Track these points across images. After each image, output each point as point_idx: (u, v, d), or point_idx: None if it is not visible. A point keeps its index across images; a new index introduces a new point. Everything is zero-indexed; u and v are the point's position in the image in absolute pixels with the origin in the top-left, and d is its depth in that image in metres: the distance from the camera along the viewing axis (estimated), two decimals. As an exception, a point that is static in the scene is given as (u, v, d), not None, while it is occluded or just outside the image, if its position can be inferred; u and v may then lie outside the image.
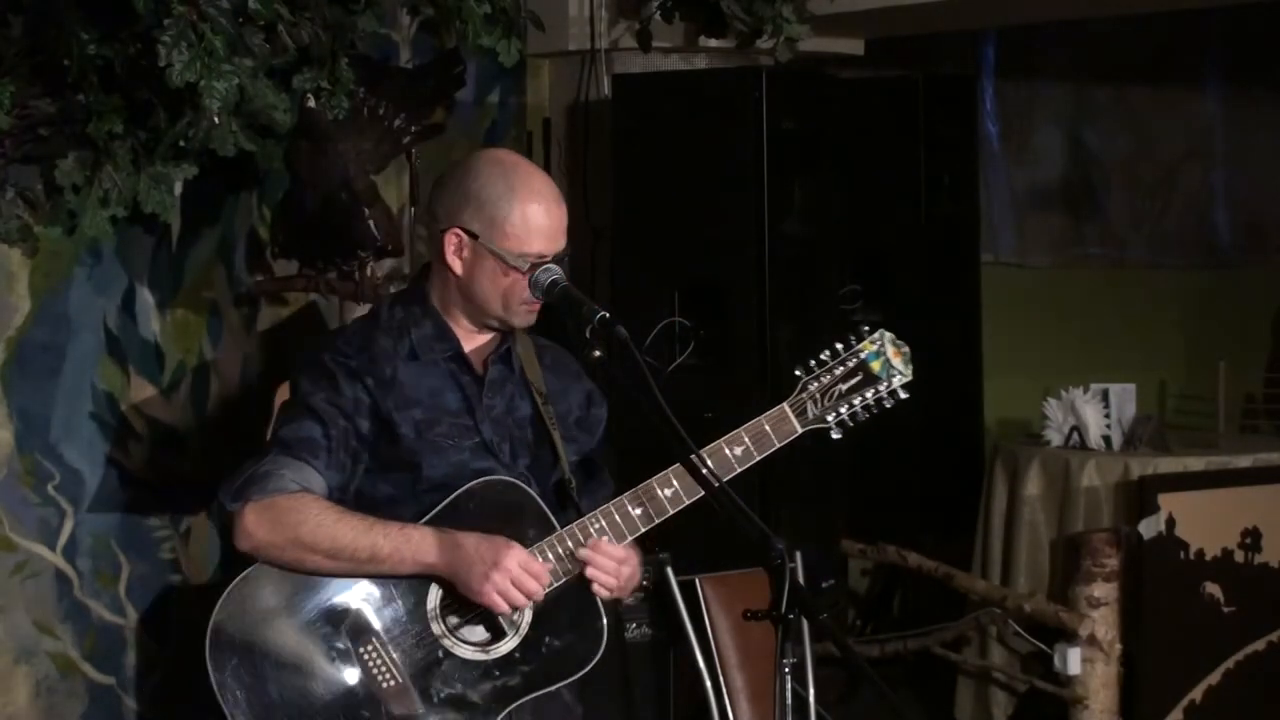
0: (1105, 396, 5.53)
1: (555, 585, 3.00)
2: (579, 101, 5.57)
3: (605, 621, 3.07)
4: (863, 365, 3.13)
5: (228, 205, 4.58)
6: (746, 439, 3.08)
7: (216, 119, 3.78)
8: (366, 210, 4.34)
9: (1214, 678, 5.21)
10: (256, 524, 2.95)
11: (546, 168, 5.58)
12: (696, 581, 4.13)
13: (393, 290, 4.66)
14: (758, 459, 3.09)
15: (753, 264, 5.08)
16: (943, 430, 6.12)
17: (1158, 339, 7.19)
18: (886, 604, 6.26)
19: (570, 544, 3.01)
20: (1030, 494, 5.48)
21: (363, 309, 4.43)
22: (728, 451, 3.06)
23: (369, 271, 4.44)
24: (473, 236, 3.04)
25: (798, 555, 4.11)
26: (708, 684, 4.07)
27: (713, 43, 5.42)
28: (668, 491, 3.03)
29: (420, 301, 3.14)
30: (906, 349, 3.16)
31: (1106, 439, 5.49)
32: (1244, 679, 5.24)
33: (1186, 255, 7.40)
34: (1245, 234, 7.44)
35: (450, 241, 3.06)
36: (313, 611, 2.97)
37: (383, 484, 3.06)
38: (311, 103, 4.15)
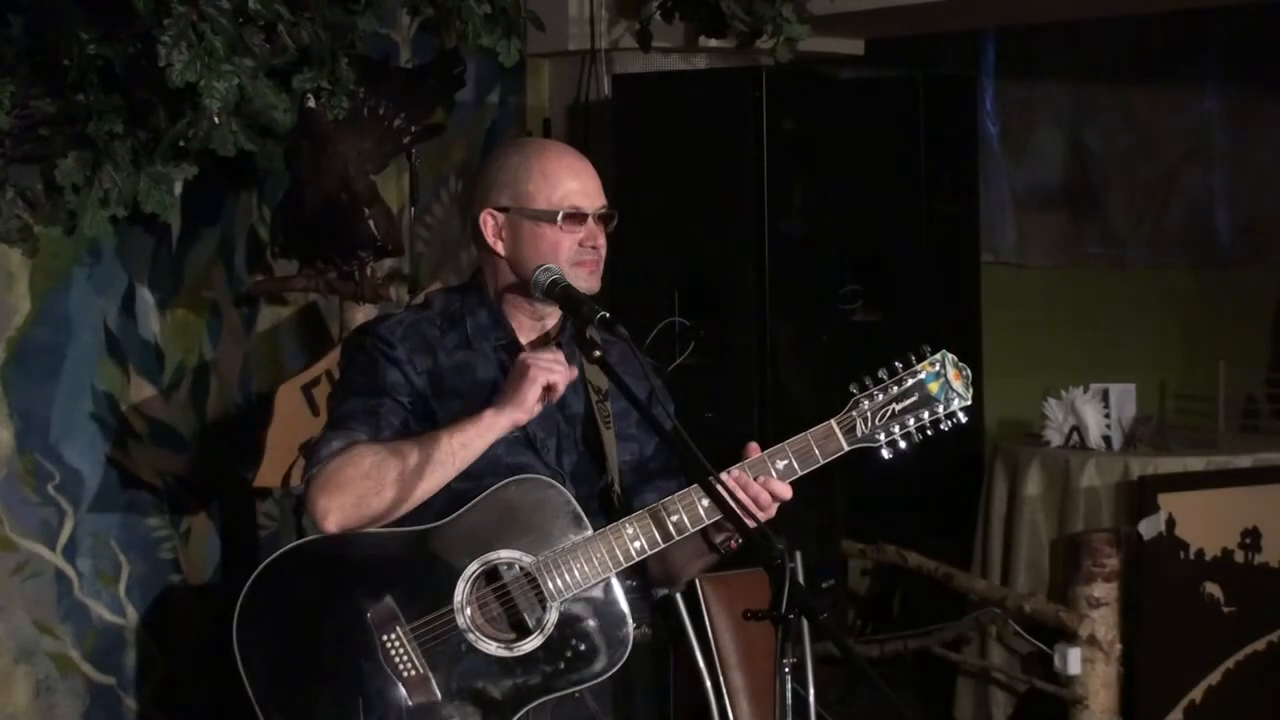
0: (1105, 396, 5.53)
1: (584, 589, 3.00)
2: (579, 101, 5.57)
3: (631, 630, 3.05)
4: (920, 386, 3.06)
5: (228, 205, 4.58)
6: (790, 454, 3.04)
7: (216, 119, 3.79)
8: (366, 210, 4.34)
9: (1214, 678, 5.21)
10: (327, 494, 2.93)
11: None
12: (696, 581, 4.12)
13: (392, 289, 4.67)
14: (800, 474, 3.04)
15: (753, 264, 5.08)
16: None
17: (1158, 339, 7.18)
18: (886, 604, 6.26)
19: (604, 549, 3.00)
20: (1030, 494, 5.48)
21: (364, 309, 4.43)
22: (770, 465, 3.03)
23: (369, 271, 4.44)
24: (504, 210, 3.05)
25: (798, 555, 4.11)
26: (708, 684, 4.07)
27: (713, 43, 5.42)
28: (705, 502, 3.01)
29: (477, 291, 3.15)
30: (968, 372, 3.09)
31: (1106, 439, 5.49)
32: (1244, 679, 5.23)
33: (1186, 255, 7.40)
34: (1245, 234, 7.43)
35: (486, 224, 3.06)
36: (342, 595, 2.97)
37: None
38: (311, 103, 4.15)
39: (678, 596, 4.07)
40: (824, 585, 5.14)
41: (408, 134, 4.54)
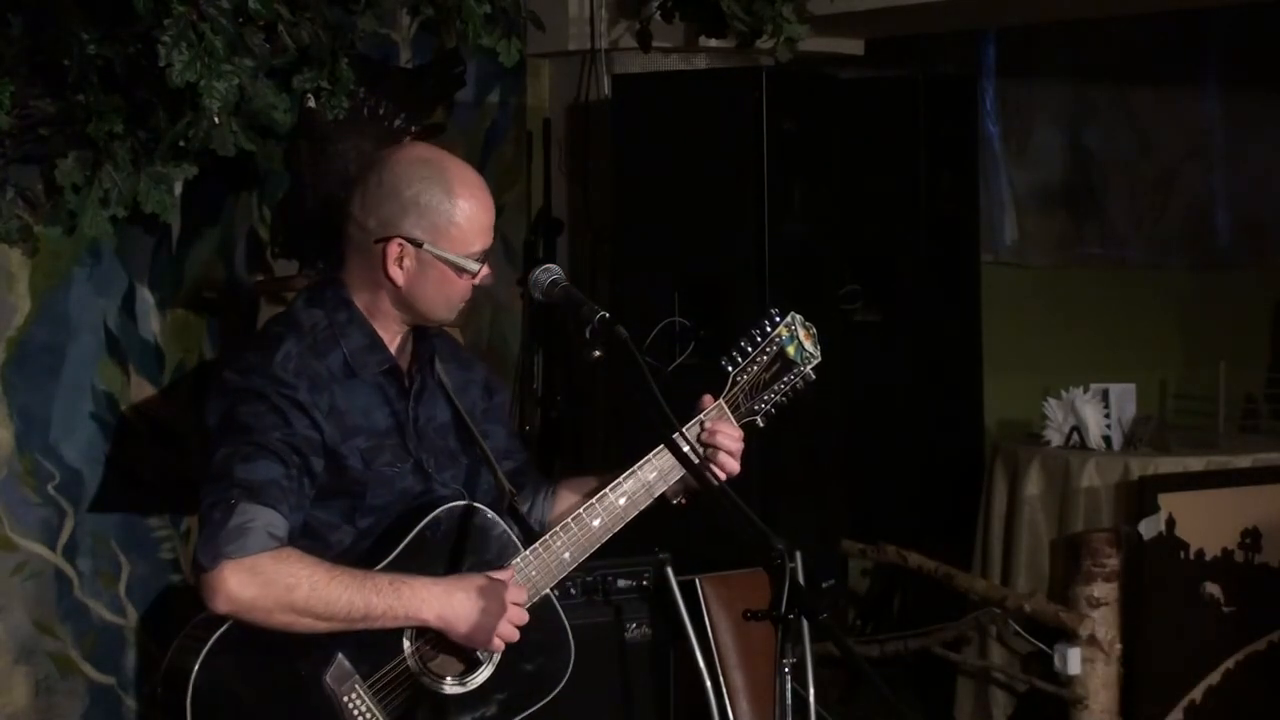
0: (1105, 396, 5.53)
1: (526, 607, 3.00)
2: (579, 101, 5.57)
3: (571, 640, 3.07)
4: (781, 353, 3.13)
5: (228, 205, 4.58)
6: (691, 439, 3.05)
7: (216, 119, 3.78)
8: (367, 210, 4.33)
9: (1214, 678, 5.21)
10: (241, 586, 2.78)
11: (546, 168, 5.58)
12: (696, 581, 4.12)
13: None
14: (696, 461, 3.06)
15: (753, 264, 5.08)
16: (943, 430, 6.12)
17: (1158, 339, 7.19)
18: (886, 604, 6.26)
19: (536, 566, 3.00)
20: (1030, 494, 5.48)
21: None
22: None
23: (369, 271, 4.43)
24: (416, 244, 2.94)
25: (798, 555, 4.11)
26: (708, 684, 4.07)
27: (713, 43, 5.42)
28: (622, 501, 3.03)
29: (345, 307, 3.02)
30: (814, 329, 3.17)
31: (1106, 439, 5.49)
32: (1244, 679, 5.24)
33: (1186, 255, 7.40)
34: (1244, 234, 7.44)
35: (392, 252, 2.95)
36: (296, 664, 2.87)
37: (320, 511, 2.95)
38: (311, 103, 4.15)
39: (678, 597, 4.07)
40: (824, 585, 5.14)
41: (408, 134, 4.53)
